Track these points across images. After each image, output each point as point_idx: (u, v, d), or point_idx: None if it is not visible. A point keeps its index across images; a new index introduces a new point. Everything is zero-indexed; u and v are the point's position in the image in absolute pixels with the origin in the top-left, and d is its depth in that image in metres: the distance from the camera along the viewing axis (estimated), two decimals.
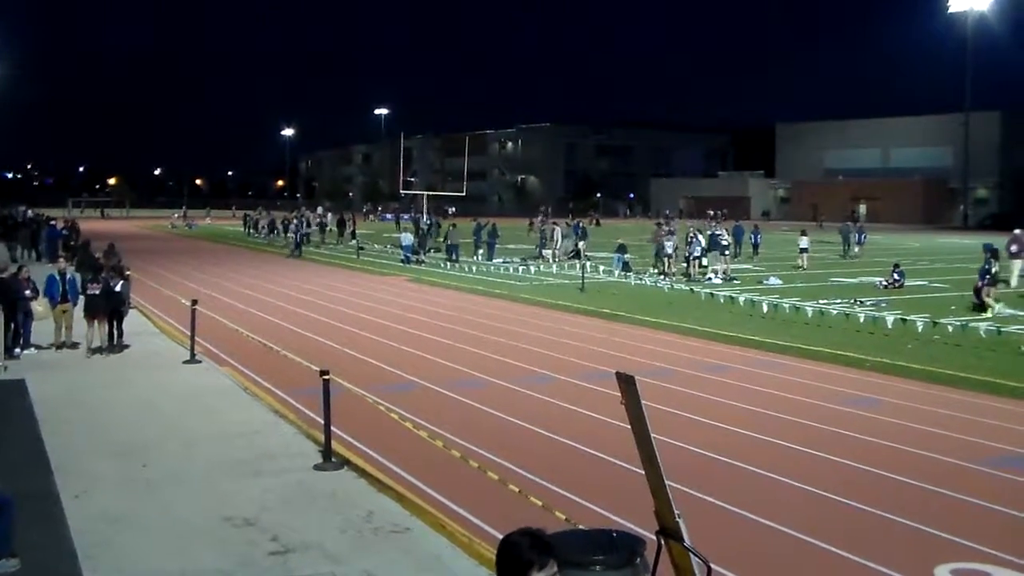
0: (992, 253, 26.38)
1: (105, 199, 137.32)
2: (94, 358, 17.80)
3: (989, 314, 23.82)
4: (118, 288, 19.04)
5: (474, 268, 38.95)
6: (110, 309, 18.47)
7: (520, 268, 38.14)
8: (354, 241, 51.30)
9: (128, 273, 20.60)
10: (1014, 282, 32.98)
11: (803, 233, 41.65)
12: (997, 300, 25.04)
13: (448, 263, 40.31)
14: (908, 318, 21.67)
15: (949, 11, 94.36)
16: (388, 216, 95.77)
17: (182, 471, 10.66)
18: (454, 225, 47.04)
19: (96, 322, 18.22)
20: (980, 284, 25.32)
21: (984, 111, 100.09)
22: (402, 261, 42.12)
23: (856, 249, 48.30)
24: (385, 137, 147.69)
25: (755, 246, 46.85)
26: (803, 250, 40.24)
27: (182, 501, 9.62)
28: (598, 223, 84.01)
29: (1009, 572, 8.07)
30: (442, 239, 44.64)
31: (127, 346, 18.76)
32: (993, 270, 25.62)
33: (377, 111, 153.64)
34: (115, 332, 18.63)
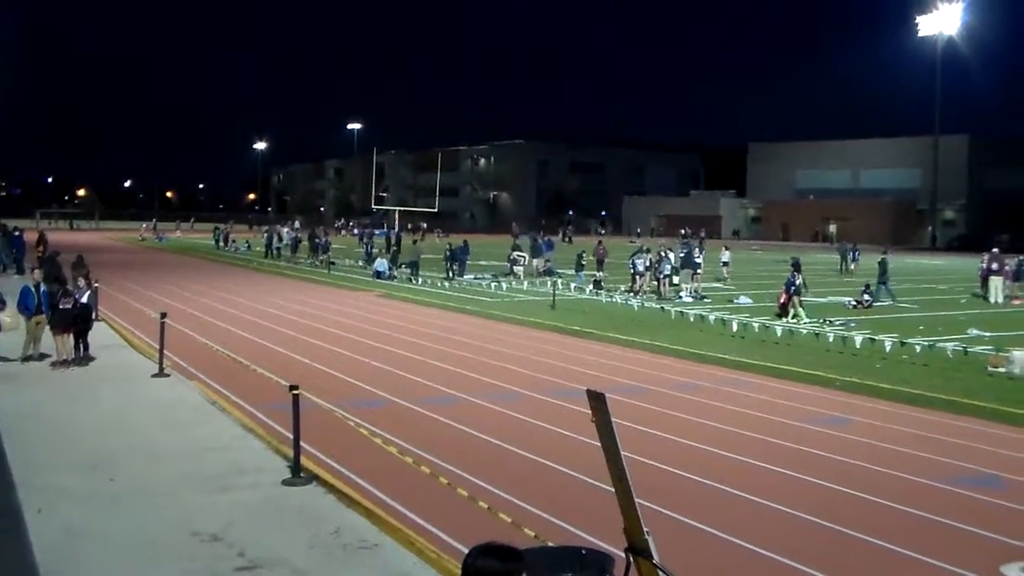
0: (796, 267, 28.88)
1: (74, 210, 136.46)
2: (60, 371, 17.64)
3: (792, 320, 26.67)
4: (84, 299, 18.92)
5: (446, 284, 38.96)
6: (78, 322, 18.35)
7: (491, 284, 38.16)
8: (325, 256, 51.17)
9: (96, 284, 20.47)
10: (999, 299, 33.70)
11: (726, 248, 45.47)
12: (801, 305, 27.73)
13: (415, 278, 40.26)
14: (877, 338, 21.82)
15: (919, 35, 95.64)
16: (356, 231, 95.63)
17: (149, 485, 10.56)
18: (415, 241, 47.07)
19: (63, 335, 18.09)
20: (785, 295, 27.91)
21: (953, 134, 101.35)
22: (373, 276, 42.08)
23: (852, 267, 49.11)
24: (358, 152, 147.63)
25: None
26: (724, 264, 42.85)
27: (149, 516, 9.52)
28: (570, 240, 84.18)
29: None
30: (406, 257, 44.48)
31: (94, 359, 18.59)
32: (797, 282, 28.09)
33: (350, 126, 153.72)
34: (81, 345, 18.48)
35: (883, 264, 34.96)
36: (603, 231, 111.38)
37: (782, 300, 28.04)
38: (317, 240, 55.05)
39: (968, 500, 10.63)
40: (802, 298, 28.46)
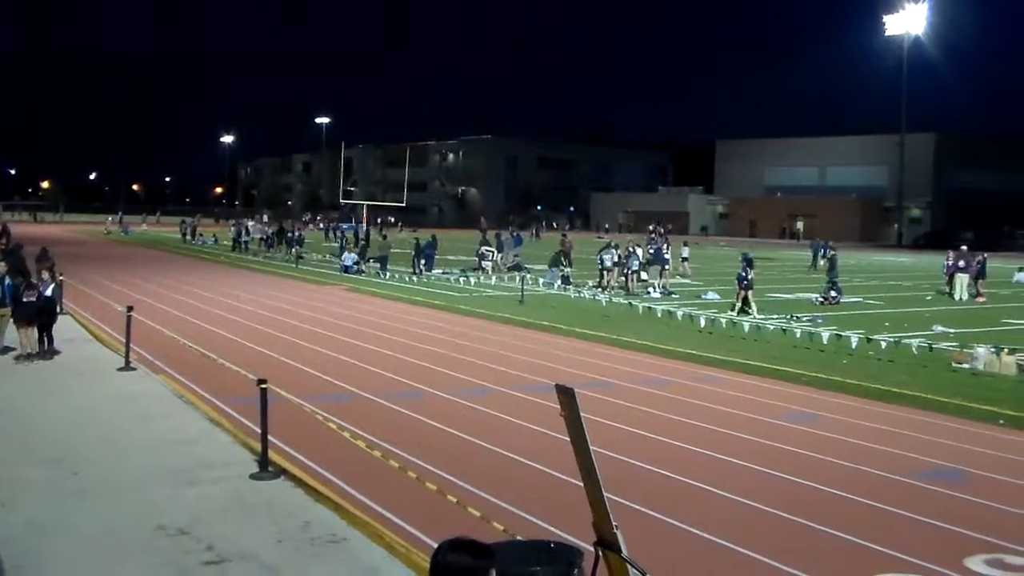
0: (748, 262, 29.24)
1: (38, 203, 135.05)
2: (24, 364, 17.46)
3: (747, 313, 27.35)
4: (48, 292, 18.74)
5: (414, 279, 38.90)
6: (42, 315, 18.16)
7: (460, 279, 38.16)
8: (293, 250, 50.99)
9: (61, 278, 20.27)
10: (963, 296, 34.13)
11: (685, 244, 46.11)
12: (747, 302, 28.13)
13: (384, 273, 40.19)
14: (843, 334, 21.98)
15: (886, 35, 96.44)
16: (322, 226, 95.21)
17: (114, 479, 10.48)
18: (384, 236, 46.99)
19: (27, 328, 17.90)
20: (739, 289, 28.64)
21: (919, 132, 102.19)
22: (341, 271, 41.99)
23: (822, 263, 49.74)
24: (325, 146, 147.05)
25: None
26: (684, 259, 43.68)
27: (114, 510, 9.45)
28: (538, 235, 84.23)
29: None
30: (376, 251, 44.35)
31: (58, 352, 18.42)
32: (749, 277, 28.42)
33: (318, 120, 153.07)
34: (46, 338, 18.30)
35: (832, 260, 35.85)
36: (566, 226, 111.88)
37: (741, 294, 28.46)
38: (289, 234, 54.78)
39: (933, 494, 10.73)
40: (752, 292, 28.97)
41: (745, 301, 28.14)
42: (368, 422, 13.41)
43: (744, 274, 28.51)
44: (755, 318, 26.33)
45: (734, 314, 27.18)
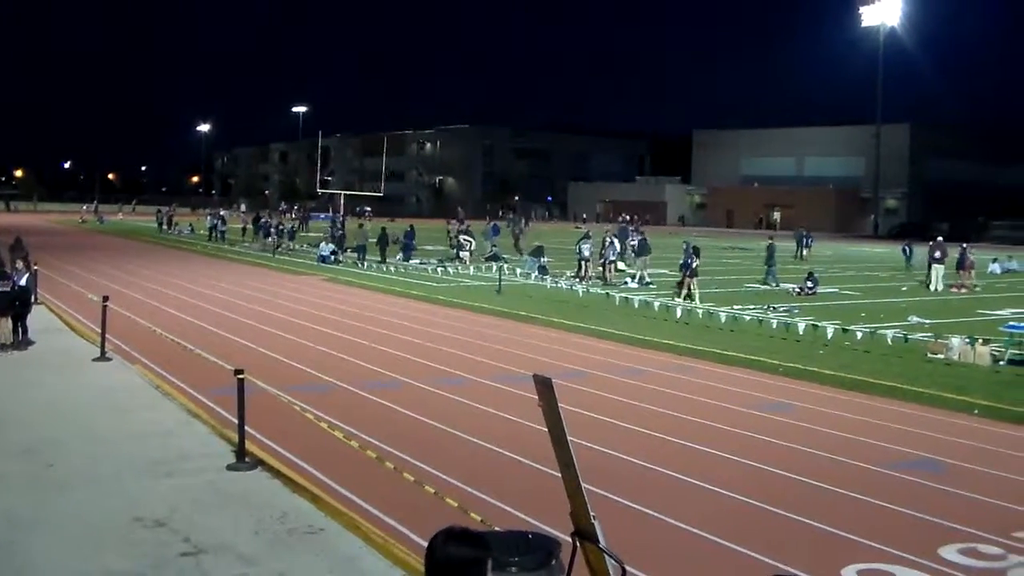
0: (695, 251, 30.09)
1: (12, 192, 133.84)
2: None
3: (692, 301, 27.97)
4: (23, 282, 18.60)
5: (392, 269, 38.85)
6: (16, 306, 18.03)
7: (437, 269, 38.11)
8: (270, 239, 50.78)
9: (35, 267, 20.12)
10: (939, 286, 34.33)
11: (641, 233, 45.86)
12: (690, 289, 28.81)
13: (362, 263, 40.14)
14: (819, 324, 22.09)
15: (862, 25, 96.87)
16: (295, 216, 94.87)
17: (91, 471, 10.42)
18: (361, 225, 46.94)
19: (1, 319, 17.76)
20: (683, 276, 29.45)
21: (894, 123, 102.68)
22: (318, 261, 41.88)
23: (804, 252, 50.28)
24: (303, 135, 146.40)
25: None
26: None
27: (91, 502, 9.40)
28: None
29: (913, 572, 8.27)
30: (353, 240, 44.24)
31: (33, 343, 18.29)
32: (693, 264, 29.20)
33: (295, 109, 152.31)
34: (20, 329, 18.17)
35: (770, 249, 36.44)
36: (539, 213, 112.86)
37: (687, 282, 29.10)
38: (282, 227, 54.48)
39: (907, 484, 10.81)
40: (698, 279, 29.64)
41: (687, 287, 28.87)
42: (345, 412, 13.39)
43: (689, 262, 29.03)
44: (696, 305, 27.03)
45: (680, 300, 27.93)
